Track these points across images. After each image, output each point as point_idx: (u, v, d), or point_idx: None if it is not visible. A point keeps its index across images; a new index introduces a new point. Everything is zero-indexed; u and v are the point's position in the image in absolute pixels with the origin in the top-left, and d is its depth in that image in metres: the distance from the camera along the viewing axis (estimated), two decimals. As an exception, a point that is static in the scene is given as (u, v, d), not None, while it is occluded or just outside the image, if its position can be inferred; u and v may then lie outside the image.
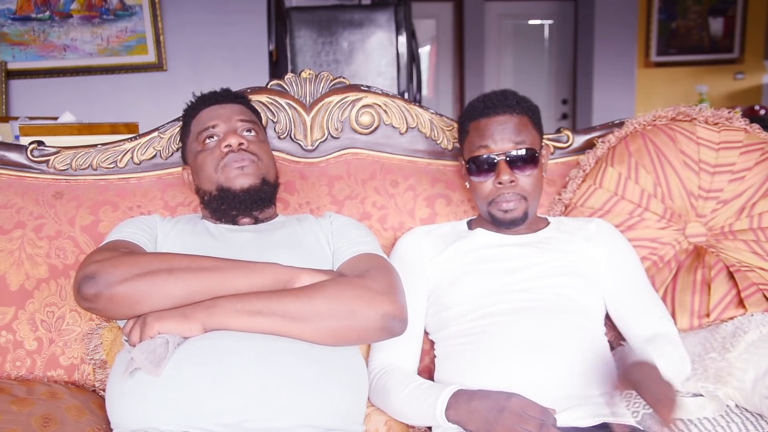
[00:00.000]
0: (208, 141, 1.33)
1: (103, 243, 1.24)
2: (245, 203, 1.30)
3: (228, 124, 1.33)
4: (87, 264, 1.12)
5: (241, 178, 1.29)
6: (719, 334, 1.33)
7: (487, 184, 1.33)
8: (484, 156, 1.32)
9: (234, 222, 1.33)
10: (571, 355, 1.20)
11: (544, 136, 1.63)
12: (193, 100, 1.40)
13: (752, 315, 1.37)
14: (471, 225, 1.44)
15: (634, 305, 1.32)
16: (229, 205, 1.30)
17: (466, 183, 1.41)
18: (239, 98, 1.41)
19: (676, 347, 1.25)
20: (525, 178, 1.32)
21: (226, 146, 1.29)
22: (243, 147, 1.30)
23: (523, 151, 1.31)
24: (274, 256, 1.17)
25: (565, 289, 1.28)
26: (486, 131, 1.32)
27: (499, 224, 1.36)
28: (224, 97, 1.39)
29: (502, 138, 1.31)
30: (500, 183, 1.31)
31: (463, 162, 1.40)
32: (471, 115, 1.37)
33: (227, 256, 1.15)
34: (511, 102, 1.33)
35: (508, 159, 1.31)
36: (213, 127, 1.33)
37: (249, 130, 1.35)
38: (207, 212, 1.36)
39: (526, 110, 1.35)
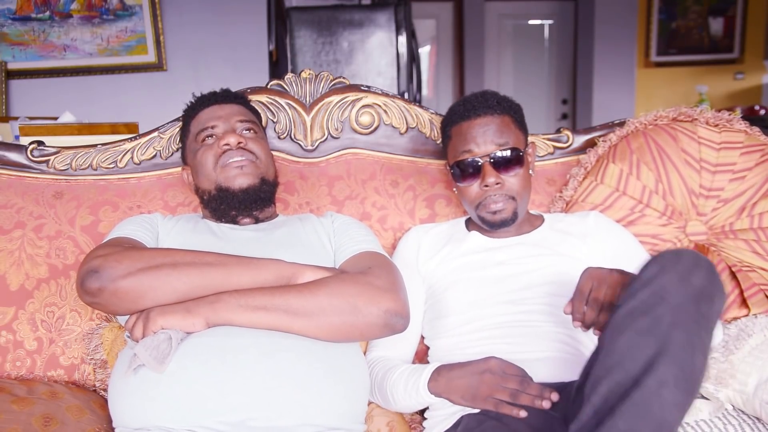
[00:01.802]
0: (206, 140, 1.33)
1: (105, 240, 1.24)
2: (244, 203, 1.30)
3: (227, 124, 1.34)
4: (90, 259, 1.12)
5: (240, 177, 1.29)
6: (723, 335, 1.33)
7: (473, 187, 1.33)
8: (468, 160, 1.31)
9: (234, 222, 1.34)
10: (560, 368, 1.21)
11: (543, 136, 1.64)
12: (193, 101, 1.40)
13: (756, 317, 1.37)
14: (468, 225, 1.44)
15: None
16: (228, 205, 1.30)
17: (454, 188, 1.40)
18: (238, 98, 1.41)
19: None
20: (511, 179, 1.32)
21: (224, 145, 1.30)
22: (242, 145, 1.31)
23: (507, 152, 1.30)
24: (276, 254, 1.17)
25: (556, 298, 1.27)
26: (468, 135, 1.32)
27: (489, 226, 1.35)
28: (223, 97, 1.39)
29: (485, 140, 1.30)
30: (486, 186, 1.30)
31: (448, 168, 1.39)
32: (452, 119, 1.36)
33: (229, 253, 1.15)
34: (491, 103, 1.32)
35: (492, 161, 1.30)
36: (212, 127, 1.33)
37: (248, 130, 1.36)
38: (207, 212, 1.37)
39: (508, 110, 1.34)
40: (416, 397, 1.18)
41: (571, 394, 1.08)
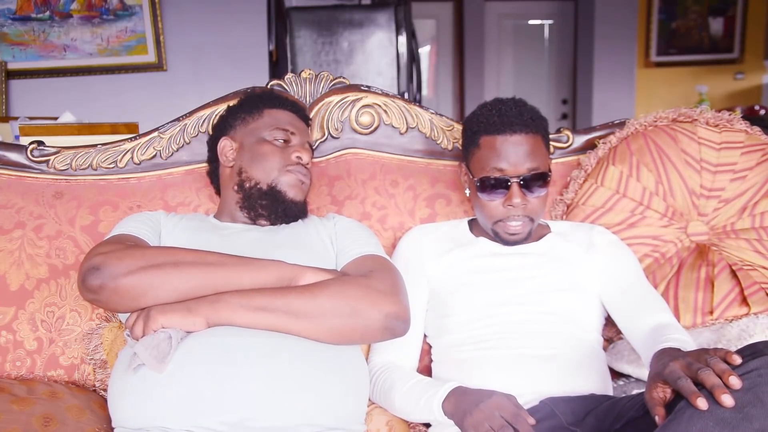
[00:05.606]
0: (277, 141, 1.35)
1: (108, 236, 1.24)
2: (284, 212, 1.32)
3: (301, 140, 1.39)
4: (92, 256, 1.12)
5: (297, 191, 1.34)
6: (724, 336, 1.33)
7: (495, 204, 1.30)
8: (498, 177, 1.28)
9: (252, 220, 1.34)
10: (571, 369, 1.21)
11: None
12: (276, 87, 1.46)
13: (757, 317, 1.36)
14: (472, 228, 1.44)
15: (634, 304, 1.29)
16: (264, 205, 1.32)
17: (466, 190, 1.39)
18: (307, 121, 1.47)
19: (682, 333, 1.20)
20: (535, 200, 1.30)
21: (298, 157, 1.34)
22: (308, 167, 1.37)
23: (537, 176, 1.29)
24: (278, 255, 1.17)
25: (563, 303, 1.27)
26: (502, 152, 1.28)
27: (502, 242, 1.35)
28: (304, 115, 1.45)
29: (518, 161, 1.27)
30: (511, 205, 1.28)
31: (468, 172, 1.36)
32: (485, 128, 1.30)
33: (232, 253, 1.15)
34: (527, 120, 1.28)
35: (521, 182, 1.28)
36: (292, 133, 1.37)
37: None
38: (230, 194, 1.36)
39: (540, 128, 1.31)
40: (428, 413, 1.17)
41: (593, 410, 1.08)
